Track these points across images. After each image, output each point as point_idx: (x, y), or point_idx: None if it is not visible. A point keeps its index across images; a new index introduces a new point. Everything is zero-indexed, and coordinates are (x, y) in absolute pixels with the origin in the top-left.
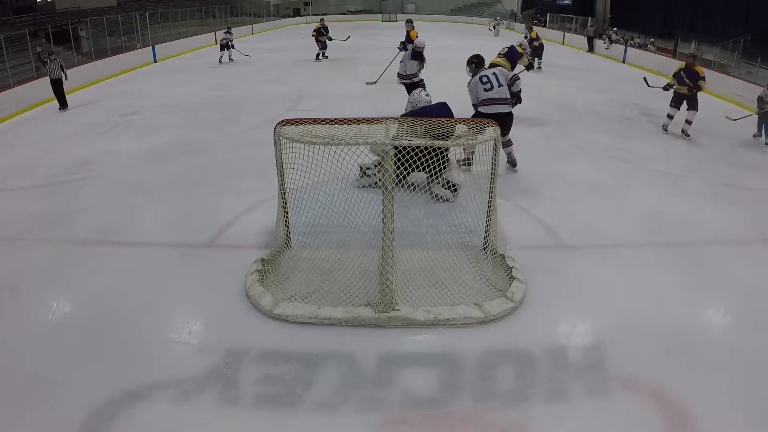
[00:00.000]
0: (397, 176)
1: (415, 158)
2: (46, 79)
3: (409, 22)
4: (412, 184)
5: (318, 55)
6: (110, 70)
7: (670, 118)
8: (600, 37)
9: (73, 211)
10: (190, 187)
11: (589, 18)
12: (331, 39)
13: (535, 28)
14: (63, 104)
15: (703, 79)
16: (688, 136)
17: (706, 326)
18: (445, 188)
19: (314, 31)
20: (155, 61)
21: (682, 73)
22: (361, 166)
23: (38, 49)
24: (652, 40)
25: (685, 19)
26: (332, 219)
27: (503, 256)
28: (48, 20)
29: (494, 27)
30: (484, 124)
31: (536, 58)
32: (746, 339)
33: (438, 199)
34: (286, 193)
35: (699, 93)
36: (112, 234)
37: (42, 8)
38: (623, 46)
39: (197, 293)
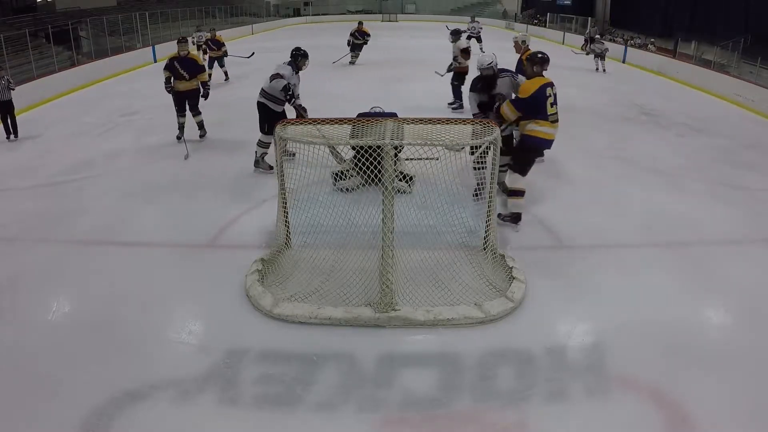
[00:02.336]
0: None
1: (369, 156)
2: (46, 79)
3: (183, 40)
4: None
5: (210, 76)
6: (110, 70)
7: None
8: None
9: (73, 211)
10: (190, 187)
11: (589, 18)
12: (226, 55)
13: (534, 28)
14: (14, 131)
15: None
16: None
17: (705, 326)
18: (400, 180)
19: (204, 43)
20: (155, 61)
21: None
22: (333, 173)
23: None
24: (652, 40)
25: (685, 19)
26: (332, 219)
27: (503, 256)
28: (48, 20)
29: (588, 45)
30: (485, 124)
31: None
32: (746, 339)
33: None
34: (286, 193)
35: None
36: (112, 234)
37: (42, 8)
38: (623, 46)
39: (197, 293)
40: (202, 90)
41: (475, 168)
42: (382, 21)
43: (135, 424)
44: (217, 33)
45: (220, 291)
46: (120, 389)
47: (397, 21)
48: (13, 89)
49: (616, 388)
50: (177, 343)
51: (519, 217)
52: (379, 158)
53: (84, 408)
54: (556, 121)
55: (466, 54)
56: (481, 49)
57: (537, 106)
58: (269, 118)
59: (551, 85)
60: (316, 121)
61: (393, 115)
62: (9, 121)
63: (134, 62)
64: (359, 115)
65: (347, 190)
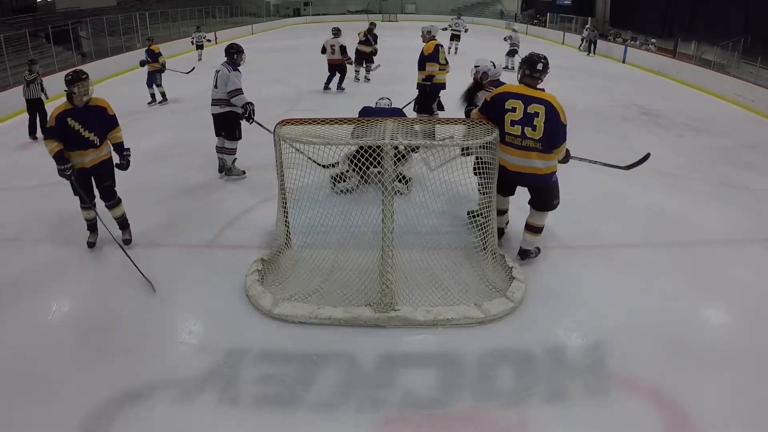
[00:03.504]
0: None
1: (372, 155)
2: (46, 79)
3: (81, 76)
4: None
5: (153, 96)
6: (110, 70)
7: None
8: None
9: (73, 212)
10: (190, 187)
11: (589, 18)
12: (163, 69)
13: (534, 28)
14: (42, 130)
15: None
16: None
17: (706, 326)
18: (398, 181)
19: (148, 52)
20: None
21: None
22: (332, 176)
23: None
24: (652, 40)
25: (685, 19)
26: (332, 219)
27: (503, 256)
28: (48, 20)
29: (585, 41)
30: (480, 124)
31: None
32: (746, 339)
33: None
34: (286, 193)
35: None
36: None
37: (42, 8)
38: (623, 46)
39: (197, 293)
40: (119, 158)
41: (481, 192)
42: (382, 21)
43: (135, 424)
44: (154, 43)
45: (220, 291)
46: (120, 389)
47: (397, 21)
48: (45, 93)
49: (616, 388)
50: (177, 343)
51: (526, 253)
52: (379, 158)
53: (84, 408)
54: (520, 147)
55: (323, 51)
56: (456, 48)
57: (493, 117)
58: (238, 122)
59: (528, 99)
60: (315, 121)
61: (399, 110)
62: (39, 119)
63: (134, 62)
64: (364, 108)
65: (346, 191)
